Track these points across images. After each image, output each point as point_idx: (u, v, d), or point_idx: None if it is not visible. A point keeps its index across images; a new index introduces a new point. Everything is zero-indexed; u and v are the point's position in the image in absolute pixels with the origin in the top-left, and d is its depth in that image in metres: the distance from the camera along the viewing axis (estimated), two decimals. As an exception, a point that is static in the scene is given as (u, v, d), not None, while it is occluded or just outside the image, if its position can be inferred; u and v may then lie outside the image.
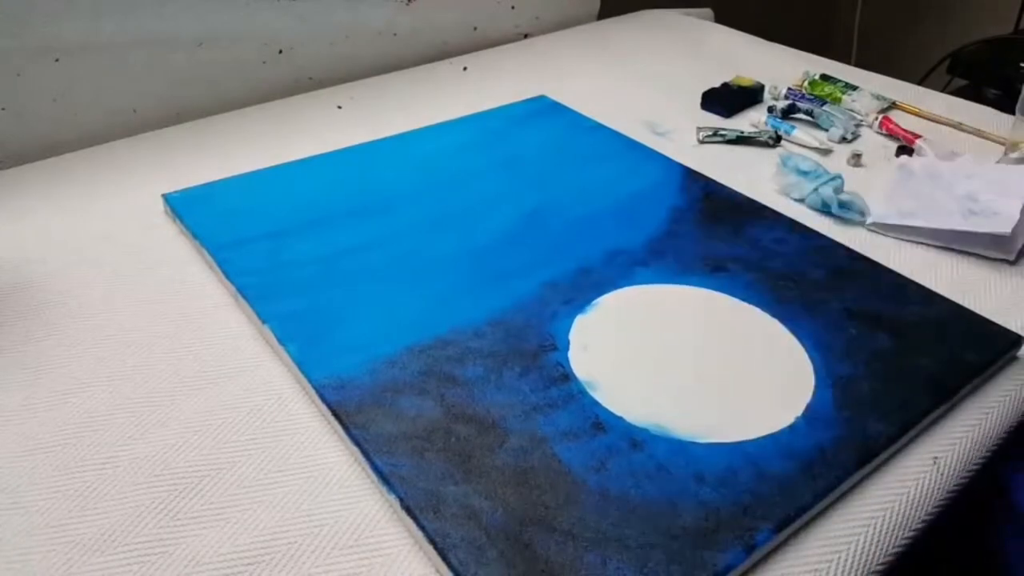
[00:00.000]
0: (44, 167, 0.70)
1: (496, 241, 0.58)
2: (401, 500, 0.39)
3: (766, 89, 0.83)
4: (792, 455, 0.42)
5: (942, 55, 1.24)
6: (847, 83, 0.84)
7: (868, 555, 0.39)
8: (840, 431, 0.43)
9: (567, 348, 0.49)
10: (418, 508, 0.39)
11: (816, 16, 1.67)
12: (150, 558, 0.38)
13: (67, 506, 0.40)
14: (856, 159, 0.71)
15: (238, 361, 0.49)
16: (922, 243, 0.61)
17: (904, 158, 0.70)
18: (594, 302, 0.52)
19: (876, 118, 0.77)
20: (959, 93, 0.95)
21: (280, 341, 0.49)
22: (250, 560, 0.38)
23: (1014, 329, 0.50)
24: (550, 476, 0.40)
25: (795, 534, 0.39)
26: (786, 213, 0.62)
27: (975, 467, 0.44)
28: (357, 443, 0.42)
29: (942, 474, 0.43)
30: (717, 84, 0.83)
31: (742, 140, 0.75)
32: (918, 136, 0.73)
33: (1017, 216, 0.58)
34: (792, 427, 0.43)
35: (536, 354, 0.48)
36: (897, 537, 0.40)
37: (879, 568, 0.39)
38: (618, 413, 0.44)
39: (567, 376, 0.47)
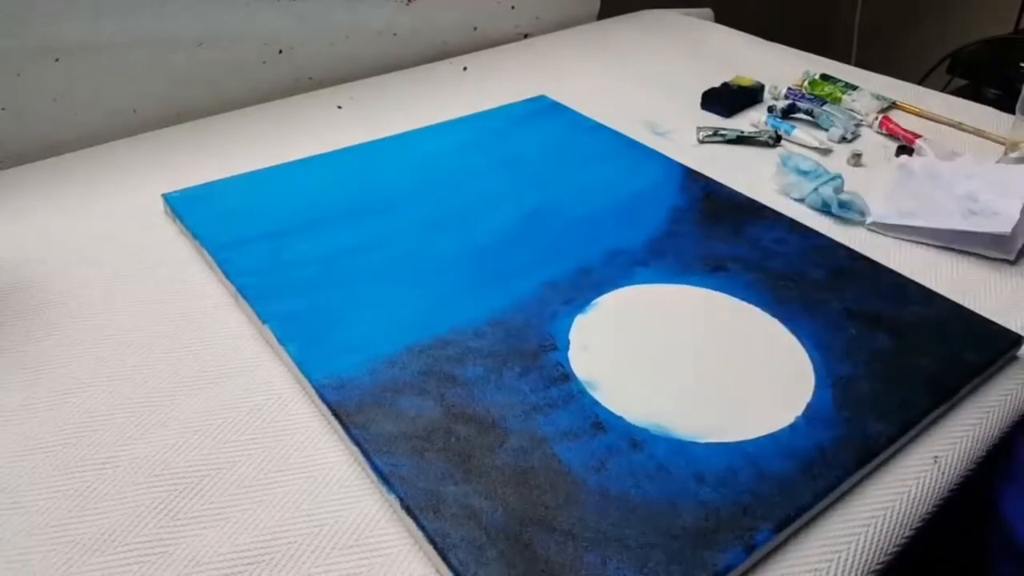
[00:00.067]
0: (44, 167, 0.70)
1: (496, 241, 0.58)
2: (401, 500, 0.39)
3: (766, 89, 0.83)
4: (792, 455, 0.42)
5: (942, 55, 1.24)
6: (847, 83, 0.84)
7: (868, 555, 0.39)
8: (840, 431, 0.43)
9: (567, 348, 0.49)
10: (418, 508, 0.39)
11: (816, 16, 1.67)
12: (150, 558, 0.38)
13: (67, 506, 0.40)
14: (856, 159, 0.71)
15: (238, 361, 0.49)
16: (922, 243, 0.61)
17: (904, 158, 0.70)
18: (594, 302, 0.52)
19: (876, 118, 0.77)
20: (959, 93, 0.95)
21: (280, 341, 0.49)
22: (250, 560, 0.38)
23: (1014, 329, 0.50)
24: (550, 476, 0.40)
25: (795, 534, 0.39)
26: (786, 213, 0.62)
27: (975, 467, 0.44)
28: (357, 443, 0.42)
29: (942, 474, 0.43)
30: (717, 84, 0.83)
31: (742, 140, 0.75)
32: (918, 136, 0.73)
33: (1017, 216, 0.58)
34: (792, 427, 0.43)
35: (536, 354, 0.48)
36: (897, 537, 0.40)
37: (879, 568, 0.39)
38: (618, 413, 0.44)
39: (567, 376, 0.47)
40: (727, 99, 0.81)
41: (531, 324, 0.50)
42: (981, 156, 0.70)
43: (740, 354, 0.48)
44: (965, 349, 0.48)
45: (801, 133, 0.74)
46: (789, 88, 0.84)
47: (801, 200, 0.65)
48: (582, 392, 0.45)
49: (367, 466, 0.42)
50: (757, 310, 0.52)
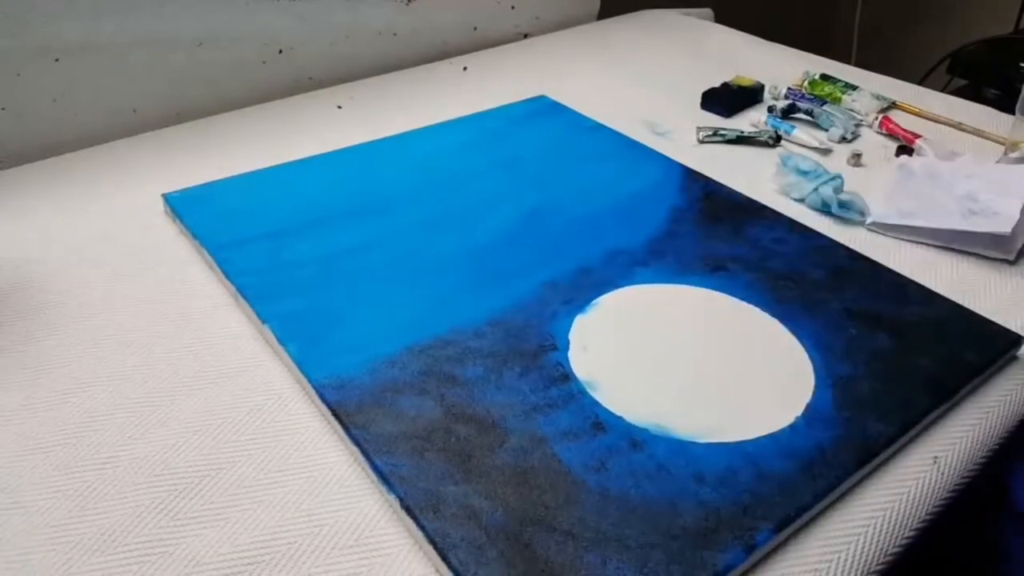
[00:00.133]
0: (44, 167, 0.70)
1: (496, 241, 0.58)
2: (401, 500, 0.39)
3: (766, 89, 0.83)
4: (792, 455, 0.42)
5: (942, 55, 1.24)
6: (847, 83, 0.84)
7: (868, 555, 0.39)
8: (840, 431, 0.43)
9: (567, 348, 0.49)
10: (418, 508, 0.39)
11: (816, 16, 1.67)
12: (150, 558, 0.38)
13: (67, 506, 0.40)
14: (856, 159, 0.71)
15: (238, 361, 0.49)
16: (922, 243, 0.61)
17: (904, 158, 0.70)
18: (594, 302, 0.52)
19: (876, 118, 0.77)
20: (959, 93, 0.95)
21: (280, 341, 0.49)
22: (250, 560, 0.38)
23: (1014, 329, 0.50)
24: (550, 476, 0.40)
25: (795, 534, 0.39)
26: (786, 213, 0.62)
27: (975, 467, 0.44)
28: (357, 443, 0.42)
29: (942, 474, 0.43)
30: (717, 84, 0.83)
31: (742, 140, 0.75)
32: (918, 136, 0.73)
33: (1017, 216, 0.58)
34: (792, 427, 0.43)
35: (536, 354, 0.48)
36: (897, 537, 0.40)
37: (879, 568, 0.39)
38: (618, 413, 0.44)
39: (567, 376, 0.47)
40: (727, 99, 0.81)
41: (531, 324, 0.50)
42: (981, 156, 0.70)
43: (740, 354, 0.48)
44: (965, 349, 0.48)
45: (801, 133, 0.74)
46: (789, 88, 0.84)
47: (801, 200, 0.65)
48: (582, 392, 0.45)
49: (367, 466, 0.42)
50: (757, 310, 0.52)
